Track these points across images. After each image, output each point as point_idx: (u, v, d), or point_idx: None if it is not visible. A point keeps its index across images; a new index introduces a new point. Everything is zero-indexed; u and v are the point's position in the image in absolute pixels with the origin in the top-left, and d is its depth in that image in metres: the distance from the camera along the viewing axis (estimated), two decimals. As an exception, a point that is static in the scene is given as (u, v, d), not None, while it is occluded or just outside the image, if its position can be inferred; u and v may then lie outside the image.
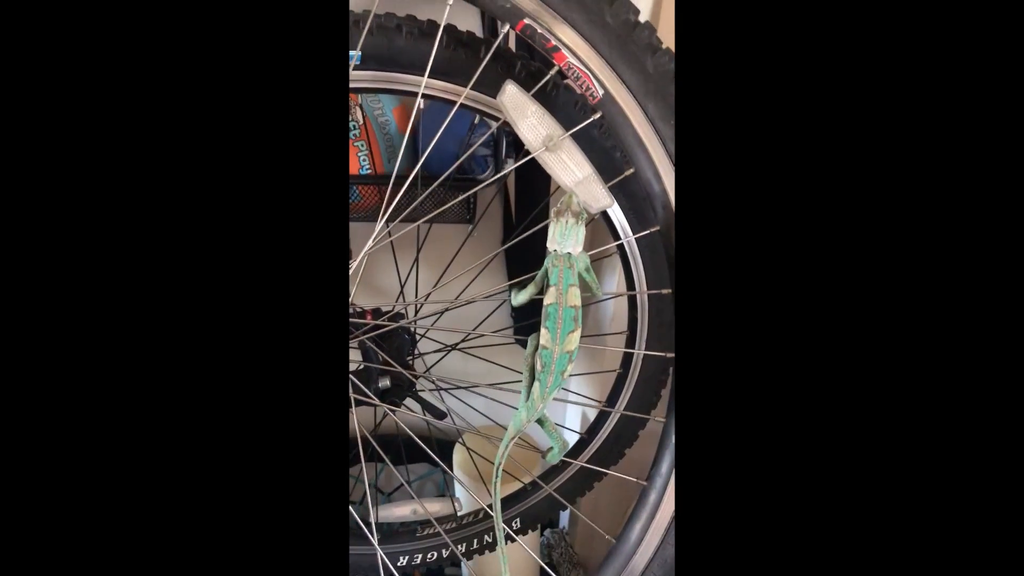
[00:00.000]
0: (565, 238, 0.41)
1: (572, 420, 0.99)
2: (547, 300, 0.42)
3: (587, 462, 0.64)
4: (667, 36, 0.39)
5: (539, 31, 0.39)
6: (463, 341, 0.68)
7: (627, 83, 0.40)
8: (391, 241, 0.70)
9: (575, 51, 0.40)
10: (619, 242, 0.53)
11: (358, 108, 0.68)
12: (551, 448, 0.49)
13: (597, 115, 0.42)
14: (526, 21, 0.39)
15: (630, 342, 0.60)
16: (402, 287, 0.69)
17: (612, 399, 0.64)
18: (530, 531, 0.70)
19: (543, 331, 0.43)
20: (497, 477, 0.48)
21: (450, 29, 0.48)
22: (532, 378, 0.44)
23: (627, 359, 0.61)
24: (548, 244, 0.41)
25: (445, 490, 0.98)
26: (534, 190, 0.74)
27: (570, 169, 0.42)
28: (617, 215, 0.53)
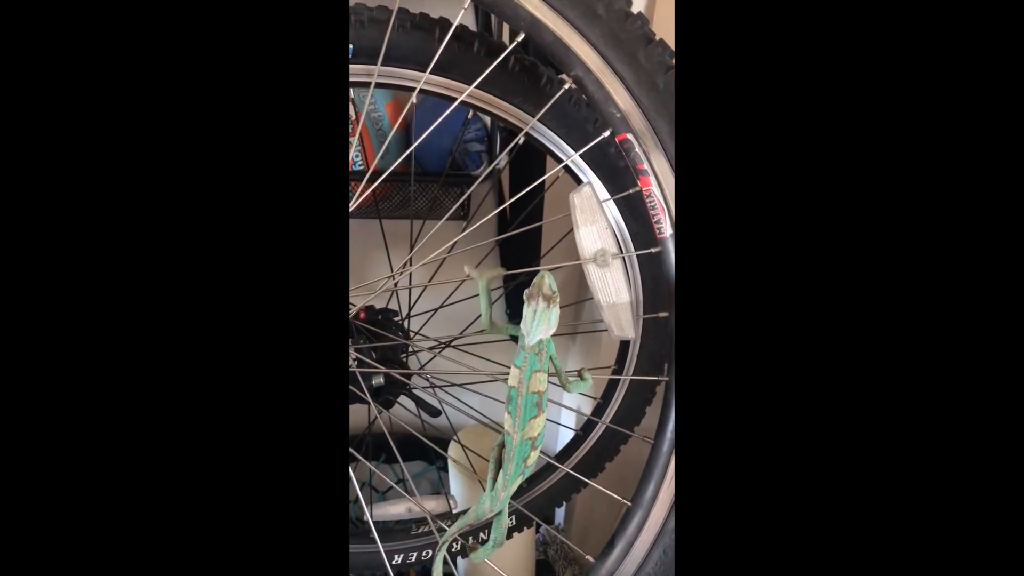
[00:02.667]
0: (536, 325, 0.38)
1: (567, 417, 0.99)
2: (510, 382, 0.40)
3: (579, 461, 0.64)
4: (666, 32, 0.39)
5: (636, 150, 0.40)
6: (457, 337, 0.68)
7: None
8: (385, 237, 0.69)
9: (662, 184, 0.40)
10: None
11: (350, 103, 0.67)
12: (485, 542, 0.46)
13: (656, 249, 0.42)
14: (628, 136, 0.40)
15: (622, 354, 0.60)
16: (395, 282, 0.68)
17: (600, 411, 0.64)
18: (525, 528, 0.70)
19: (505, 416, 0.41)
20: (440, 551, 0.47)
21: (444, 23, 0.47)
22: (498, 468, 0.43)
23: (621, 356, 0.61)
24: (521, 326, 0.39)
25: (440, 488, 0.97)
26: (529, 185, 0.74)
27: (610, 289, 0.41)
28: (615, 215, 0.52)
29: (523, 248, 0.81)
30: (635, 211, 0.51)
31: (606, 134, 0.41)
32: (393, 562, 0.65)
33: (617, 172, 0.51)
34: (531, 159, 0.71)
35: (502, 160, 0.71)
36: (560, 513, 1.07)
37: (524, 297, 0.39)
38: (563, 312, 0.41)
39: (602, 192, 0.51)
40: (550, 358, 0.40)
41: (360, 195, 0.48)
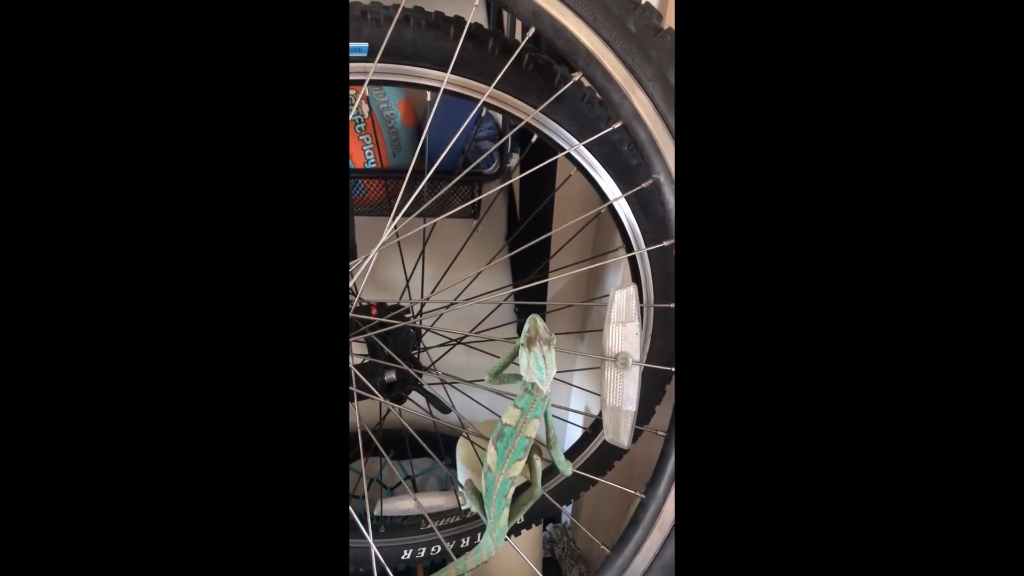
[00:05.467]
0: (545, 371, 0.38)
1: (574, 415, 0.99)
2: (506, 419, 0.40)
3: (589, 457, 0.64)
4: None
5: None
6: (468, 335, 0.68)
7: None
8: (397, 237, 0.70)
9: None
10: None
11: (364, 101, 0.68)
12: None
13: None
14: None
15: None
16: (407, 281, 0.69)
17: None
18: (532, 526, 0.70)
19: (491, 450, 0.40)
20: None
21: (458, 21, 0.48)
22: (482, 505, 0.43)
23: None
24: (524, 375, 0.39)
25: (448, 484, 0.98)
26: (539, 185, 0.74)
27: (619, 394, 0.41)
28: (627, 213, 0.52)
29: (532, 249, 0.81)
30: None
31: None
32: (402, 557, 0.66)
33: (629, 169, 0.51)
34: (542, 159, 0.71)
35: (514, 160, 0.71)
36: (567, 511, 1.07)
37: (523, 344, 0.38)
38: (572, 312, 0.42)
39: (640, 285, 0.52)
40: (544, 414, 0.41)
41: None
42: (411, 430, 0.59)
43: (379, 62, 0.46)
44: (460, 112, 0.70)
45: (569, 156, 0.51)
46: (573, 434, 1.01)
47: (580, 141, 0.50)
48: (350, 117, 0.67)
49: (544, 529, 1.02)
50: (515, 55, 0.45)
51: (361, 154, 0.69)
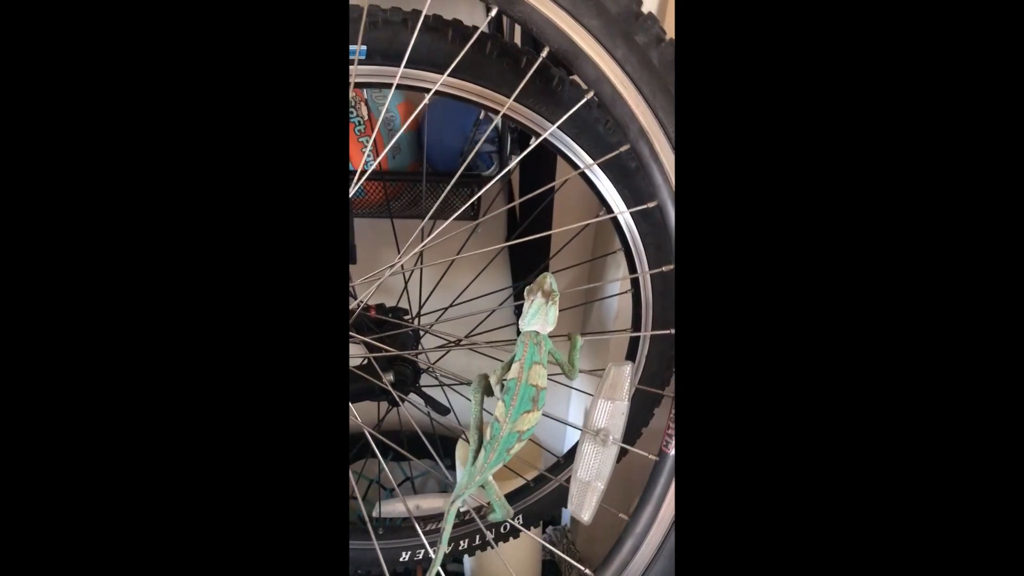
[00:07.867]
0: (532, 317, 0.40)
1: (575, 416, 0.99)
2: (510, 374, 0.41)
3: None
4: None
5: None
6: (467, 337, 0.68)
7: None
8: (396, 238, 0.70)
9: None
10: (613, 212, 0.53)
11: (363, 104, 0.68)
12: (492, 512, 0.47)
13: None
14: None
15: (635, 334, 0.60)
16: (406, 284, 0.69)
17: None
18: (532, 528, 0.70)
19: (499, 403, 0.41)
20: (442, 546, 0.47)
21: (456, 24, 0.48)
22: (480, 442, 0.43)
23: (630, 354, 0.61)
24: (520, 323, 0.41)
25: (447, 486, 0.98)
26: (538, 186, 0.74)
27: (592, 469, 0.42)
28: (626, 219, 0.53)
29: (532, 250, 0.81)
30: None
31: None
32: (400, 559, 0.66)
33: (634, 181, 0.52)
34: (541, 161, 0.71)
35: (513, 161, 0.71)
36: (566, 513, 1.07)
37: (525, 294, 0.40)
38: (570, 315, 0.42)
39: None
40: (550, 352, 0.41)
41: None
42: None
43: (376, 65, 0.47)
44: (459, 114, 0.70)
45: (615, 220, 0.53)
46: (573, 435, 1.01)
47: (628, 207, 0.52)
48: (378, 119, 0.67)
49: (544, 531, 1.02)
50: (583, 100, 0.46)
51: (360, 156, 0.69)
